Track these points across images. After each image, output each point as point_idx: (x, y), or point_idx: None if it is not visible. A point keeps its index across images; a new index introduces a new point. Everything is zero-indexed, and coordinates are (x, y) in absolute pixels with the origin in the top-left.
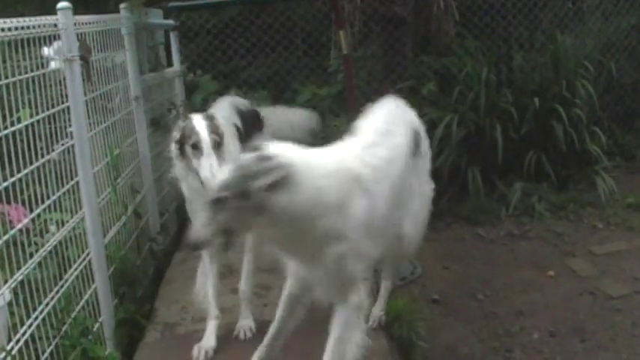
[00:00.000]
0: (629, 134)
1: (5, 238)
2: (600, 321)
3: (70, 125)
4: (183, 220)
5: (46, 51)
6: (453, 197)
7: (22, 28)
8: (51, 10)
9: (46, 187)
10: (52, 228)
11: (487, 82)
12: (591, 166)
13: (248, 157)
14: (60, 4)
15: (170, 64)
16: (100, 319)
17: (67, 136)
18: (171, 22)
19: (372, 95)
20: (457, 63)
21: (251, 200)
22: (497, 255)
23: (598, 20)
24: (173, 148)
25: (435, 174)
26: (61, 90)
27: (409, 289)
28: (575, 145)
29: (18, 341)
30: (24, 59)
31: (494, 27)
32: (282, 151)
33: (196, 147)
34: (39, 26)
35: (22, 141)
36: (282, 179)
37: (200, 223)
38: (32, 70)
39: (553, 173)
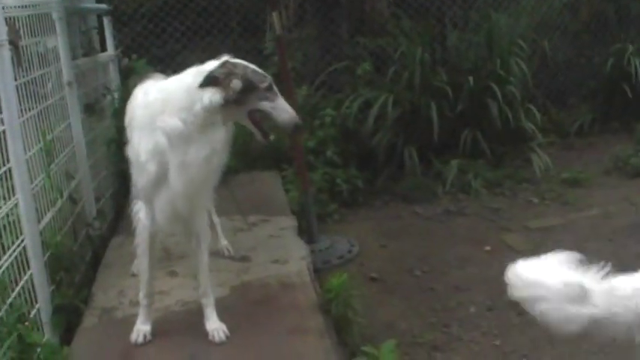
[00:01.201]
0: (563, 111)
1: None
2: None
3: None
4: (119, 205)
5: None
6: (389, 176)
7: None
8: None
9: None
10: None
11: (422, 62)
12: (526, 142)
13: None
14: None
15: (104, 48)
16: (36, 306)
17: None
18: (104, 6)
19: (308, 76)
20: (392, 43)
21: None
22: (434, 232)
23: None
24: (215, 98)
25: (371, 153)
26: None
27: (347, 268)
28: (510, 123)
29: None
30: None
31: (428, 6)
32: None
33: (271, 89)
34: None
35: None
36: None
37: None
38: None
39: (489, 150)
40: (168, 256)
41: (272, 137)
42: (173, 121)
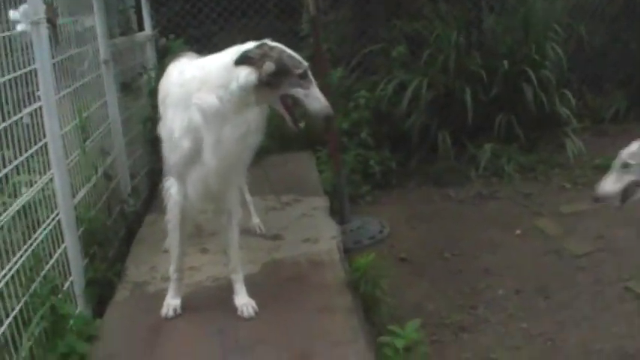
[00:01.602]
0: (598, 97)
1: None
2: (564, 278)
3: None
4: (154, 183)
5: (12, 14)
6: (422, 159)
7: None
8: None
9: (15, 149)
10: (24, 190)
11: (457, 45)
12: (560, 127)
13: None
14: None
15: (142, 28)
16: (70, 279)
17: (36, 100)
18: None
19: (344, 58)
20: (428, 26)
21: None
22: (465, 215)
23: None
24: (250, 78)
25: (405, 136)
26: (28, 54)
27: (377, 248)
28: (545, 107)
29: None
30: None
31: None
32: None
33: (305, 76)
34: None
35: None
36: None
37: (609, 180)
38: None
39: (522, 135)
40: (200, 232)
41: (302, 125)
42: (210, 98)
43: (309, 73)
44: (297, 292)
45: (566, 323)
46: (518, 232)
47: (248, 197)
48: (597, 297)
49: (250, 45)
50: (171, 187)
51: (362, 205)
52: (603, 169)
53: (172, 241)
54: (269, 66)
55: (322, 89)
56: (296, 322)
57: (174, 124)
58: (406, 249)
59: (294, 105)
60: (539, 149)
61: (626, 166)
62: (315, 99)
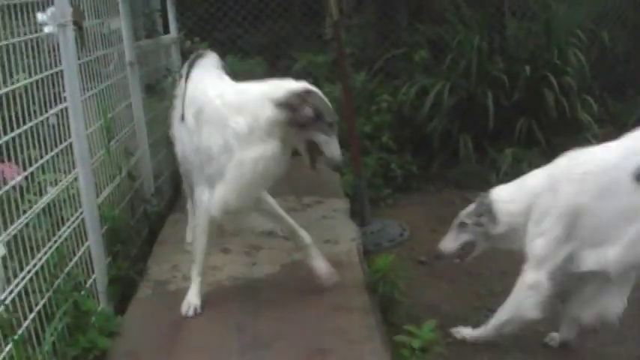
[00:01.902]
0: (621, 103)
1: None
2: None
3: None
4: (177, 183)
5: (40, 17)
6: (443, 163)
7: None
8: None
9: (41, 148)
10: (50, 189)
11: (479, 50)
12: (582, 133)
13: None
14: None
15: (167, 31)
16: (93, 276)
17: (63, 101)
18: None
19: (366, 62)
20: (450, 31)
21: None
22: None
23: None
24: (280, 117)
25: (426, 140)
26: (55, 55)
27: (397, 251)
28: (566, 113)
29: (12, 292)
30: (22, 25)
31: None
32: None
33: (332, 126)
34: None
35: (16, 104)
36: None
37: (448, 238)
38: (26, 35)
39: (544, 140)
40: (222, 233)
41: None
42: (242, 123)
43: (335, 125)
44: (316, 292)
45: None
46: None
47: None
48: None
49: (291, 84)
50: (202, 195)
51: (383, 208)
52: None
53: (198, 244)
54: (308, 111)
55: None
56: (313, 320)
57: (211, 142)
58: (425, 251)
59: (313, 148)
60: (560, 154)
61: (462, 225)
62: (334, 148)
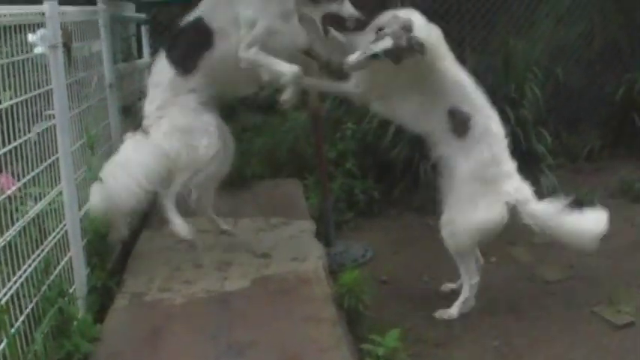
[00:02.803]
0: (574, 136)
1: None
2: (535, 302)
3: (48, 108)
4: (149, 201)
5: (31, 37)
6: (405, 189)
7: (12, 15)
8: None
9: (27, 163)
10: (30, 203)
11: None
12: (536, 164)
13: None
14: None
15: (141, 55)
16: (73, 286)
17: (47, 118)
18: (142, 15)
19: None
20: None
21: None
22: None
23: (548, 27)
24: None
25: (389, 167)
26: (44, 74)
27: (360, 271)
28: (522, 144)
29: (5, 295)
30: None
31: (449, 30)
32: None
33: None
34: (27, 14)
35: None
36: None
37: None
38: (16, 55)
39: None
40: (195, 249)
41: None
42: None
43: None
44: (286, 304)
45: (535, 342)
46: (493, 259)
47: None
48: (566, 319)
49: None
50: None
51: (346, 231)
52: (576, 203)
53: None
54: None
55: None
56: (284, 330)
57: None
58: (387, 272)
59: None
60: None
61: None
62: (347, 8)
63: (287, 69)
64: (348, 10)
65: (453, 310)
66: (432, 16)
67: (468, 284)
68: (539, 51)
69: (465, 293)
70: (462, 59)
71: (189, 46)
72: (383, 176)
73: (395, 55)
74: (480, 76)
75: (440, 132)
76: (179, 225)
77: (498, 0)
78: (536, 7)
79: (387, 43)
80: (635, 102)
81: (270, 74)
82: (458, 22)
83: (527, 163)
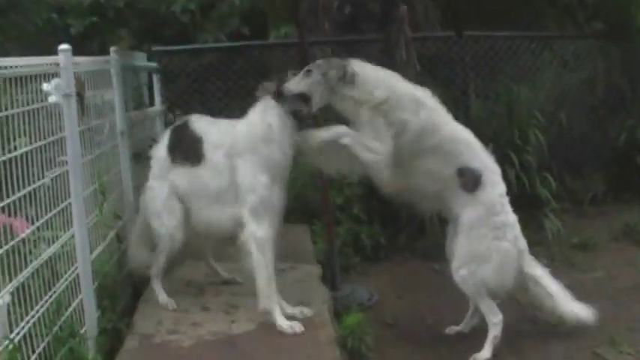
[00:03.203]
0: (578, 180)
1: (10, 244)
2: (537, 343)
3: (61, 154)
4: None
5: (46, 87)
6: (410, 234)
7: (29, 65)
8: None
9: (41, 207)
10: (44, 246)
11: None
12: (541, 208)
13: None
14: (61, 46)
15: (152, 103)
16: (84, 327)
17: (59, 164)
18: (154, 64)
19: None
20: None
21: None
22: (448, 287)
23: (551, 74)
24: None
25: (395, 212)
26: (58, 122)
27: (365, 314)
28: (527, 189)
29: (18, 334)
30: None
31: (453, 78)
32: None
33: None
34: (43, 64)
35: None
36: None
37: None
38: (32, 103)
39: None
40: (203, 293)
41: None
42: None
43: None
44: (290, 346)
45: None
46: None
47: None
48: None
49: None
50: (250, 226)
51: (352, 275)
52: (581, 248)
53: (268, 275)
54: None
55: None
56: None
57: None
58: (392, 315)
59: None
60: (520, 227)
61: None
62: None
63: None
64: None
65: (486, 353)
66: (435, 62)
67: (492, 323)
68: (543, 97)
69: (492, 332)
70: (466, 105)
71: (185, 147)
72: (389, 222)
73: (330, 88)
74: (483, 121)
75: (450, 190)
76: (163, 300)
77: (503, 46)
78: (540, 53)
79: (314, 77)
80: (638, 146)
81: None
82: (462, 69)
83: (532, 208)
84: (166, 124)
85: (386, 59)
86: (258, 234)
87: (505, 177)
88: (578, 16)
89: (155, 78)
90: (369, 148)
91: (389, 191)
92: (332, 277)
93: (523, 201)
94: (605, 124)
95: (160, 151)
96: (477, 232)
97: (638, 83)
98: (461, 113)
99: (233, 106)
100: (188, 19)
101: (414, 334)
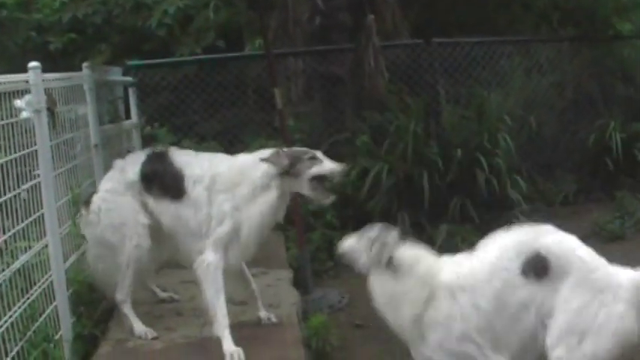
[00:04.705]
0: (549, 182)
1: None
2: None
3: (35, 168)
4: None
5: (18, 103)
6: None
7: (1, 83)
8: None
9: (15, 218)
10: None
11: (415, 134)
12: (511, 209)
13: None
14: (31, 64)
15: (129, 117)
16: (59, 333)
17: (35, 177)
18: (129, 78)
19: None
20: (389, 117)
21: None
22: None
23: (520, 78)
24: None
25: (367, 217)
26: (31, 136)
27: (335, 316)
28: (496, 191)
29: None
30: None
31: (423, 84)
32: None
33: (314, 158)
34: (14, 82)
35: None
36: None
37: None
38: (6, 118)
39: (476, 216)
40: (177, 300)
41: (332, 198)
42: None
43: (317, 155)
44: (258, 347)
45: None
46: None
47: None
48: None
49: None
50: (208, 256)
51: (325, 279)
52: None
53: (218, 303)
54: (284, 158)
55: None
56: None
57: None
58: (362, 316)
59: (319, 184)
60: (491, 229)
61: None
62: (329, 167)
63: None
64: (329, 166)
65: None
66: (404, 69)
67: None
68: (512, 101)
69: None
70: (436, 111)
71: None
72: (362, 227)
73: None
74: (454, 127)
75: None
76: (140, 330)
77: (471, 52)
78: (513, 57)
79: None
80: (608, 147)
81: None
82: (432, 75)
83: (502, 209)
84: (144, 138)
85: (357, 68)
86: (208, 260)
87: (475, 180)
88: (553, 20)
89: (131, 91)
90: None
91: None
92: (304, 281)
93: (494, 203)
94: (575, 126)
95: (129, 175)
96: None
97: (607, 84)
98: (432, 119)
99: (210, 118)
100: (165, 33)
101: (383, 335)
